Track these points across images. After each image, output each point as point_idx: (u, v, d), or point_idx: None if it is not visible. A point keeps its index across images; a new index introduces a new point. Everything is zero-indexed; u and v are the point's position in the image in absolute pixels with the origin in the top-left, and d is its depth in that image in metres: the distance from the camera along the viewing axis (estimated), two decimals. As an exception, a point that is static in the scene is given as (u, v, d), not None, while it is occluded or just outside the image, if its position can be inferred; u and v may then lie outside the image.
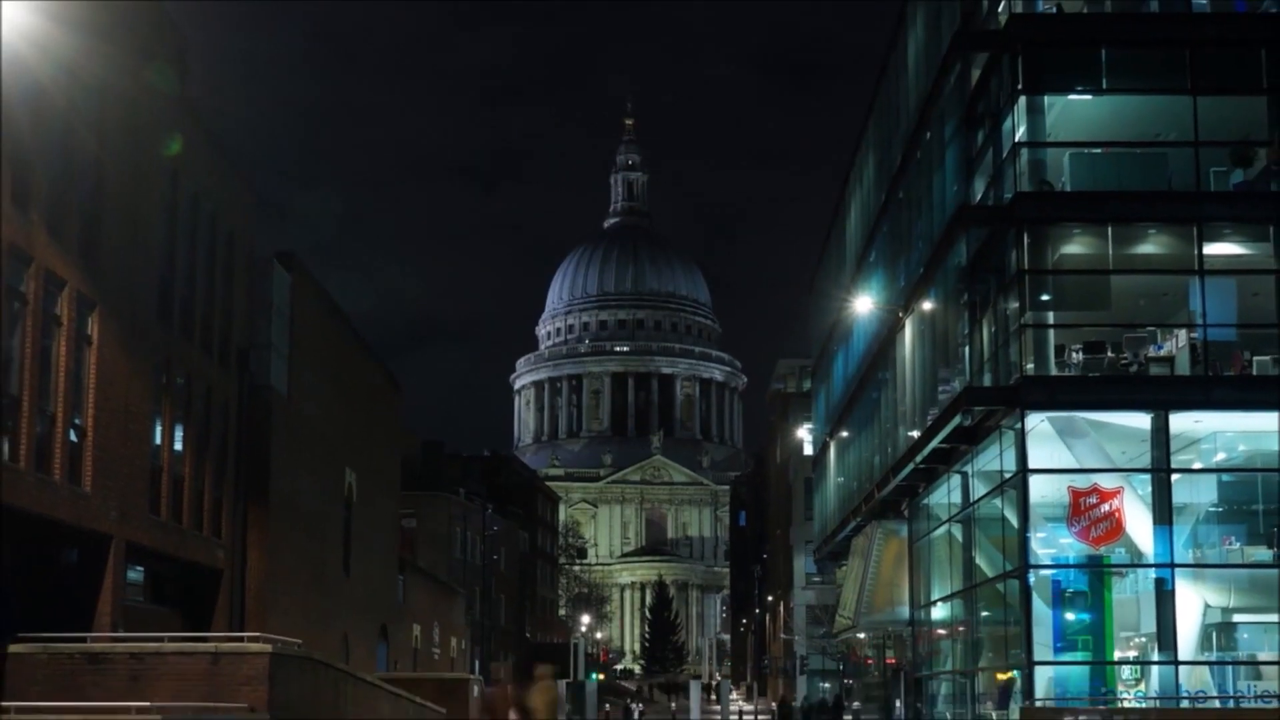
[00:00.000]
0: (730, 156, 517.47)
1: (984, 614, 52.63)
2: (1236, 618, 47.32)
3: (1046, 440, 46.30)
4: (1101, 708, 42.04)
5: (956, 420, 49.40)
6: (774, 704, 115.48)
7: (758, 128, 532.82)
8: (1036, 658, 45.33)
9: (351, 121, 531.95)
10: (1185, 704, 43.24)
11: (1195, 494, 47.32)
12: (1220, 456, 48.15)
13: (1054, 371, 46.41)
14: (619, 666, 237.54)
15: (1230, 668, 46.64)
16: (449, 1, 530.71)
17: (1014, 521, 46.94)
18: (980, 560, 52.19)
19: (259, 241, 55.43)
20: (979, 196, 49.38)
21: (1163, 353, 45.90)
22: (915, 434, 56.80)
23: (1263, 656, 47.18)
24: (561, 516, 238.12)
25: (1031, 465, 45.51)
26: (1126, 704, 44.01)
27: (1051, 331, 47.19)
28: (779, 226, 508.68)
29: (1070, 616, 47.24)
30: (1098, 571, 46.96)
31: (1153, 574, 45.64)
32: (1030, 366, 45.85)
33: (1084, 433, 47.03)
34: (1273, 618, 47.09)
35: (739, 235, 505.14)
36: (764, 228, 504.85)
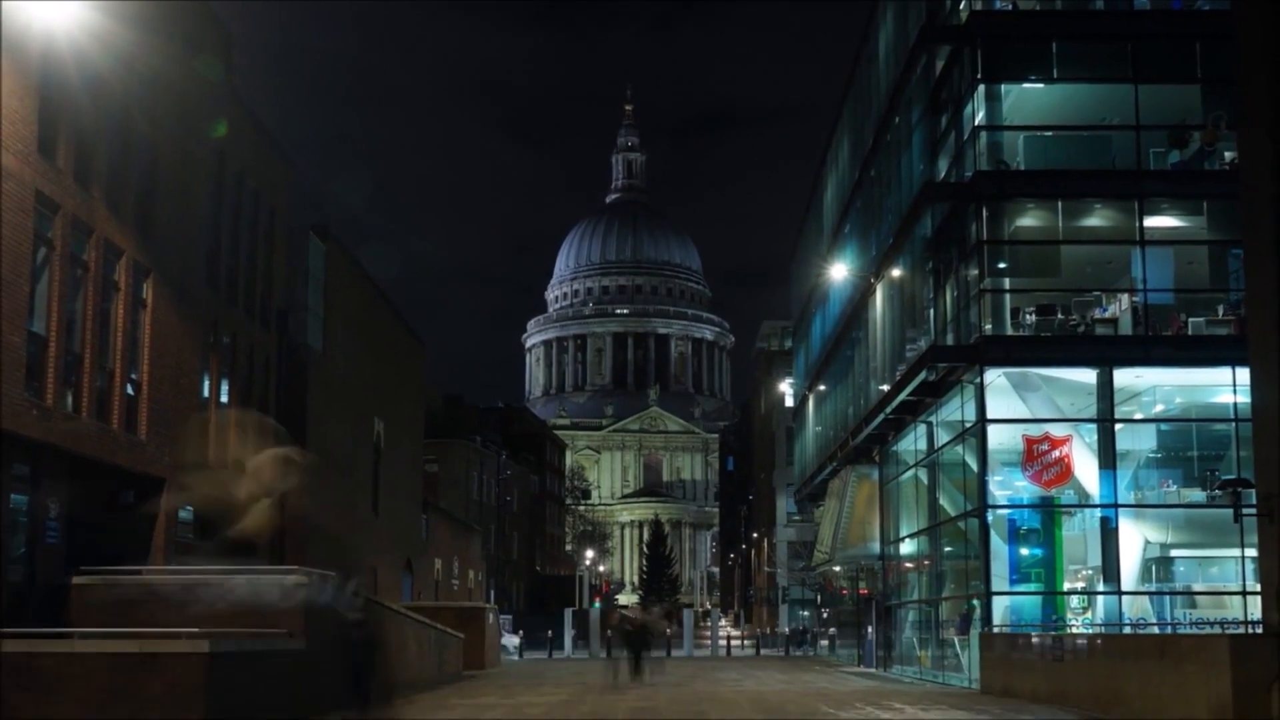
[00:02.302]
0: (723, 135, 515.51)
1: (947, 549, 52.76)
2: (1173, 553, 47.47)
3: (1003, 393, 46.39)
4: (1052, 633, 42.10)
5: (922, 375, 49.47)
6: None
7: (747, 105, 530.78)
8: (994, 588, 45.51)
9: (381, 109, 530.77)
10: (1127, 630, 43.32)
11: (1136, 442, 47.46)
12: (1159, 408, 48.27)
13: (1010, 331, 46.50)
14: (619, 596, 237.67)
15: (1168, 597, 46.74)
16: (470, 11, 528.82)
17: (974, 466, 47.06)
18: (944, 501, 52.32)
19: (296, 215, 55.41)
20: (942, 175, 49.42)
21: (1107, 315, 45.96)
22: (885, 387, 56.84)
23: (1197, 587, 47.40)
24: (568, 462, 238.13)
25: (990, 416, 45.61)
26: (1075, 630, 44.10)
27: (1008, 296, 47.27)
28: (763, 198, 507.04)
29: (1024, 551, 47.31)
30: (1049, 511, 47.02)
31: (1098, 513, 45.78)
32: (988, 327, 45.95)
33: (1037, 386, 47.14)
34: (1206, 552, 47.38)
35: (727, 207, 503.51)
36: (750, 200, 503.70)
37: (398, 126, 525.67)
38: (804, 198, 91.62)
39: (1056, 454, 45.56)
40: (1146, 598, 46.36)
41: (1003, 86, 47.88)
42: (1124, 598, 45.09)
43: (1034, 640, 41.86)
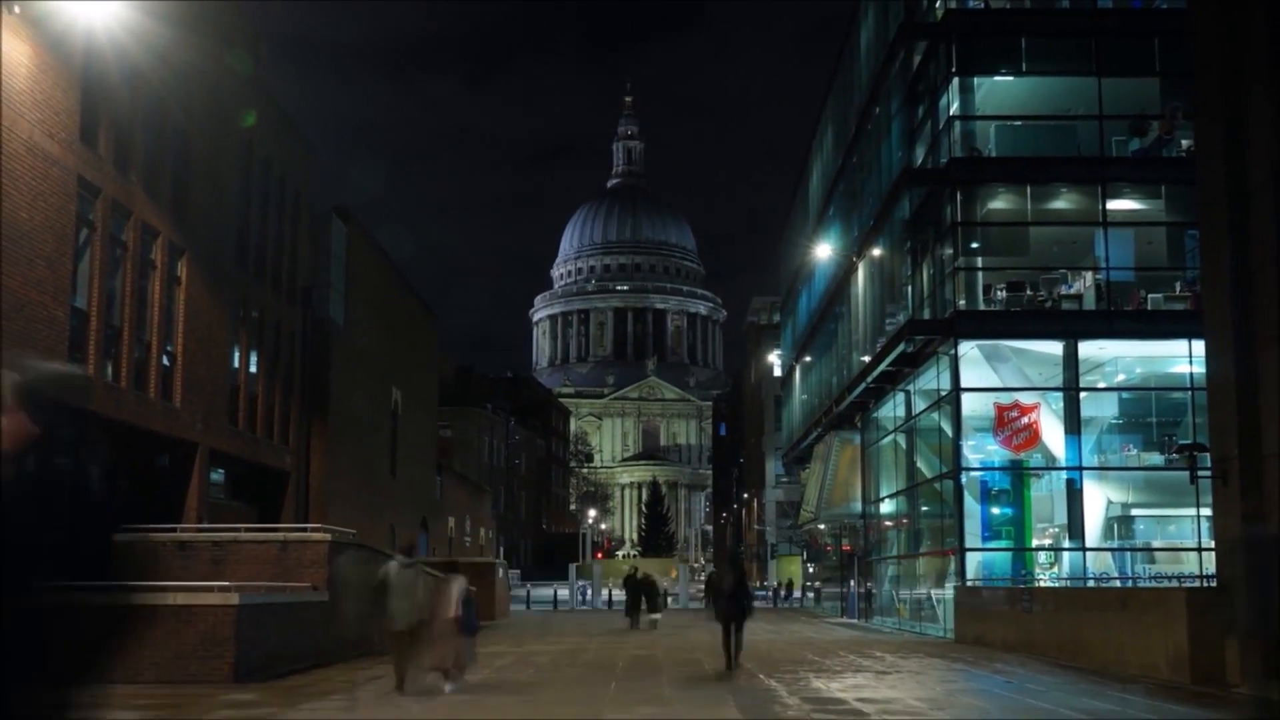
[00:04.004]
0: (717, 123, 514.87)
1: (924, 508, 52.85)
2: (1134, 512, 47.61)
3: (976, 364, 46.46)
4: (1022, 587, 42.20)
5: (901, 347, 49.53)
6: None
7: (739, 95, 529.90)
8: (967, 545, 45.59)
9: (399, 102, 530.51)
10: (1091, 583, 43.44)
11: (1100, 409, 47.55)
12: (1121, 377, 48.36)
13: (982, 306, 46.51)
14: (620, 552, 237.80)
15: (1129, 554, 46.90)
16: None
17: (949, 431, 47.09)
18: (920, 464, 52.39)
19: (320, 198, 55.52)
20: (919, 161, 49.40)
21: (1072, 291, 46.00)
22: (866, 358, 56.88)
23: (1156, 544, 47.58)
24: (572, 428, 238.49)
25: (963, 385, 45.65)
26: (1042, 584, 44.22)
27: (980, 273, 47.30)
28: (754, 183, 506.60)
29: (996, 511, 47.42)
30: (1019, 473, 47.14)
31: (1064, 475, 45.86)
32: (962, 302, 45.99)
33: (1007, 358, 47.19)
34: (1164, 512, 47.48)
35: (722, 191, 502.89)
36: (742, 184, 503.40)
37: (416, 121, 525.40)
38: (793, 182, 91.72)
39: (1025, 420, 45.62)
40: (1109, 554, 46.50)
41: (975, 79, 47.95)
42: (1088, 554, 45.22)
43: (1004, 593, 41.98)
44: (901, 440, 55.21)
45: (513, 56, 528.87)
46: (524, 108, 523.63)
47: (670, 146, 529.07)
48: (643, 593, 56.33)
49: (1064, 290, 46.13)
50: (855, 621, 62.11)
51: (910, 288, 51.14)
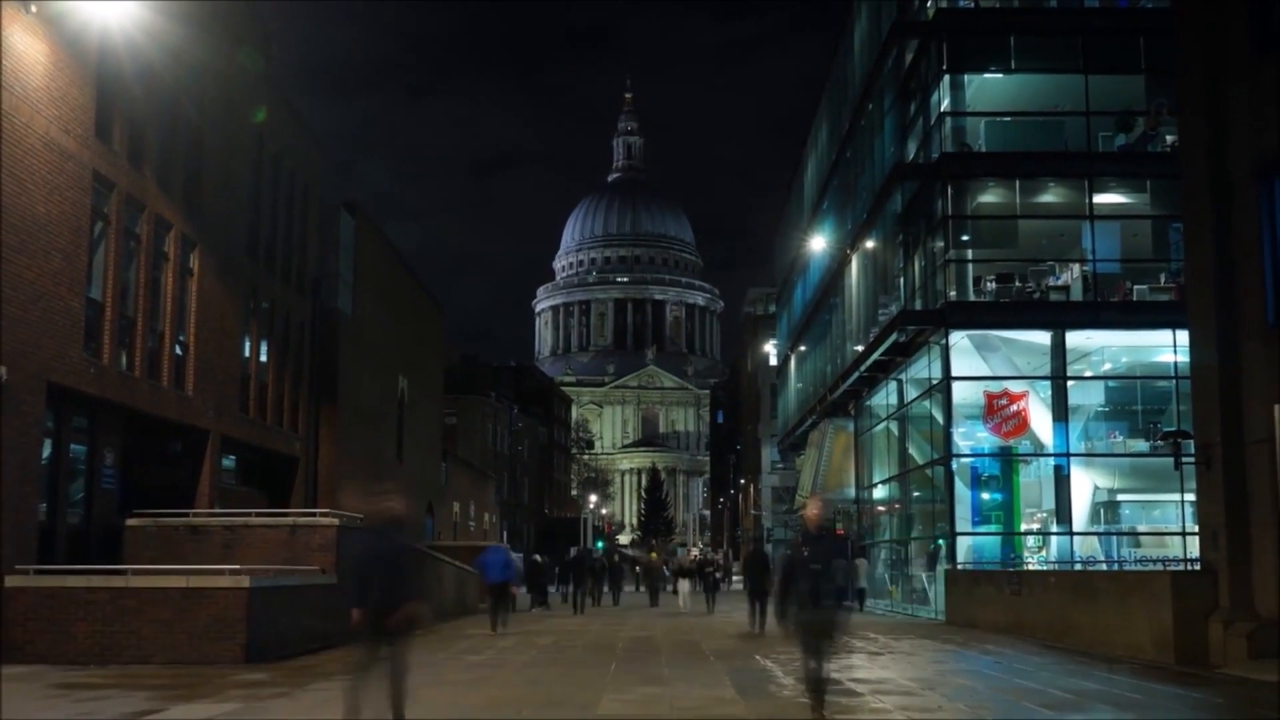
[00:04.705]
0: (714, 120, 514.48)
1: (915, 494, 52.92)
2: (1120, 497, 47.70)
3: (966, 353, 46.51)
4: (1011, 570, 42.23)
5: (893, 337, 49.59)
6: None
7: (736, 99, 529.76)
8: (958, 529, 45.69)
9: (404, 99, 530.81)
10: (1079, 567, 43.49)
11: (1086, 397, 47.59)
12: (1107, 366, 48.39)
13: (972, 298, 46.61)
14: (620, 536, 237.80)
15: (1115, 538, 47.00)
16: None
17: (940, 419, 47.15)
18: (912, 450, 52.46)
19: (328, 192, 55.48)
20: (911, 156, 49.46)
21: (1060, 282, 46.07)
22: (860, 348, 56.95)
23: (1141, 528, 47.69)
24: (573, 415, 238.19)
25: (954, 374, 45.72)
26: (1031, 567, 44.25)
27: (970, 265, 47.41)
28: (751, 179, 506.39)
29: (985, 496, 47.49)
30: (1008, 459, 47.15)
31: (1052, 462, 45.98)
32: (953, 294, 46.08)
33: (996, 347, 47.27)
34: (1149, 497, 47.59)
35: (720, 185, 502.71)
36: (740, 179, 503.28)
37: (422, 117, 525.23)
38: (788, 178, 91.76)
39: (1014, 408, 45.71)
40: (1096, 538, 46.57)
41: (966, 76, 48.04)
42: (1075, 538, 45.30)
43: (994, 576, 42.01)
44: (894, 428, 55.26)
45: (514, 59, 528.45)
46: (525, 106, 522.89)
47: (669, 140, 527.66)
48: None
49: (1052, 282, 46.19)
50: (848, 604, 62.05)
51: (902, 279, 51.20)
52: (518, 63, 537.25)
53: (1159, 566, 41.36)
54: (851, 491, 64.00)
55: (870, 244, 55.92)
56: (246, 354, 44.02)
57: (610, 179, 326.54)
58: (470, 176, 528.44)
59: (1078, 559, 44.69)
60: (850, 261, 60.51)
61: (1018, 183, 47.13)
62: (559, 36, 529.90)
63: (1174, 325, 41.46)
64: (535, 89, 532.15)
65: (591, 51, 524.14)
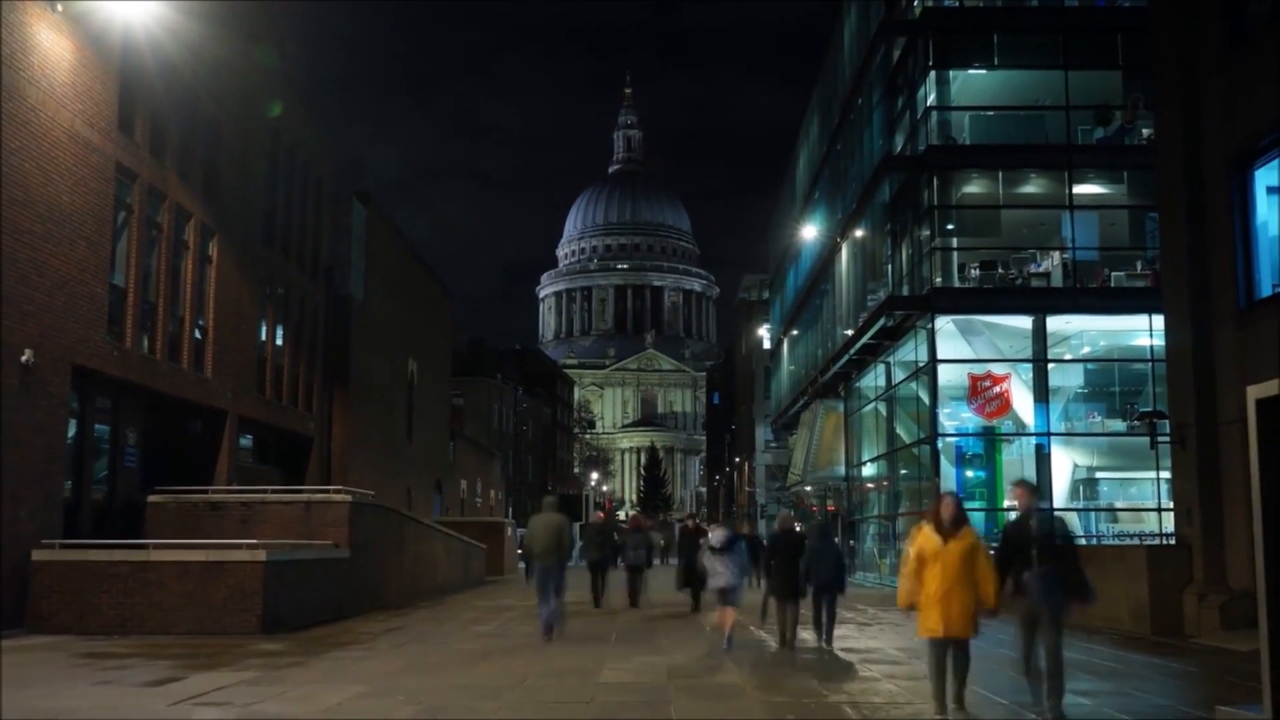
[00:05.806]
0: (712, 112, 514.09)
1: (903, 472, 52.93)
2: (1098, 475, 47.71)
3: (951, 337, 46.50)
4: (994, 545, 42.21)
5: (881, 321, 49.61)
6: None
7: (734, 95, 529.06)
8: (943, 506, 45.64)
9: (417, 94, 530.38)
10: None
11: (1066, 379, 47.59)
12: (1086, 350, 48.40)
13: (957, 284, 46.56)
14: (620, 512, 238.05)
15: (1093, 513, 46.96)
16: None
17: (926, 400, 47.18)
18: (900, 430, 52.47)
19: (341, 183, 55.46)
20: (899, 148, 49.39)
21: (1041, 269, 46.06)
22: (849, 332, 56.95)
23: (1118, 505, 47.67)
24: (575, 397, 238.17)
25: (940, 356, 45.72)
26: (1013, 541, 44.24)
27: (955, 253, 47.33)
28: (746, 167, 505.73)
29: (970, 474, 47.55)
30: (991, 439, 47.22)
31: (1033, 441, 45.93)
32: (939, 280, 46.04)
33: (980, 331, 47.24)
34: (1126, 475, 47.62)
35: (716, 174, 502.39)
36: (735, 168, 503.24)
37: (432, 111, 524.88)
38: (781, 169, 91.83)
39: (997, 390, 45.70)
40: (1075, 514, 46.53)
41: (951, 72, 47.96)
42: (1055, 514, 45.28)
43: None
44: (882, 408, 55.27)
45: (517, 56, 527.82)
46: (524, 103, 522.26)
47: (668, 133, 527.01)
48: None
49: (1033, 269, 46.18)
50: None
51: (890, 266, 51.17)
52: (524, 60, 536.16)
53: (1136, 541, 41.45)
54: (841, 469, 64.05)
55: (859, 233, 55.89)
56: (263, 338, 44.04)
57: (610, 170, 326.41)
58: (478, 170, 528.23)
59: (1058, 534, 44.67)
60: (840, 249, 60.51)
61: (1000, 174, 47.11)
62: (559, 36, 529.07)
63: (1150, 310, 41.53)
64: (542, 83, 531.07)
65: (595, 47, 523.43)
